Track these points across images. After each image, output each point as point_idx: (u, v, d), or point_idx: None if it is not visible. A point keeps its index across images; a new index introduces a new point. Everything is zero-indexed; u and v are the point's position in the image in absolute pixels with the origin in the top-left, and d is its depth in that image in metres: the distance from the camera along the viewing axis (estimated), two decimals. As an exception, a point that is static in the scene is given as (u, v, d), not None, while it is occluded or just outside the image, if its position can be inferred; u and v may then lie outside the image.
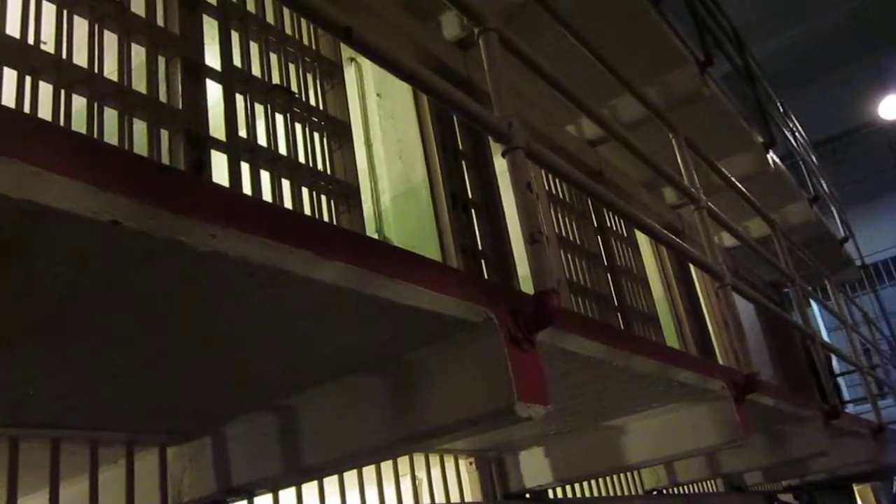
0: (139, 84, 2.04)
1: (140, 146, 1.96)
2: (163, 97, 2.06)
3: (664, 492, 3.70)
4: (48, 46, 1.78)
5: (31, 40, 1.76)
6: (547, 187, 3.85)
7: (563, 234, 3.87)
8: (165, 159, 2.00)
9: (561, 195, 3.99)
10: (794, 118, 8.05)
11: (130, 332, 1.12)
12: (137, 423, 1.57)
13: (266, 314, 1.16)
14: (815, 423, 3.46)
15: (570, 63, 2.94)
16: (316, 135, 2.49)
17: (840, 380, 11.77)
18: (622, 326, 3.93)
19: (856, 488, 7.71)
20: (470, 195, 3.14)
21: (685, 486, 3.96)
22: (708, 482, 4.34)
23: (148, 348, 1.20)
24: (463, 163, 3.21)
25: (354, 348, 1.38)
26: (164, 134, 2.01)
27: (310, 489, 2.03)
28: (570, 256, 3.82)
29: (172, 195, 0.86)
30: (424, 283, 1.20)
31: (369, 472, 2.22)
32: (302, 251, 1.00)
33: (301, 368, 1.43)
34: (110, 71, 2.00)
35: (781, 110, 7.40)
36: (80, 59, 1.86)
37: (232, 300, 1.07)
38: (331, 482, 2.09)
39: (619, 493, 3.50)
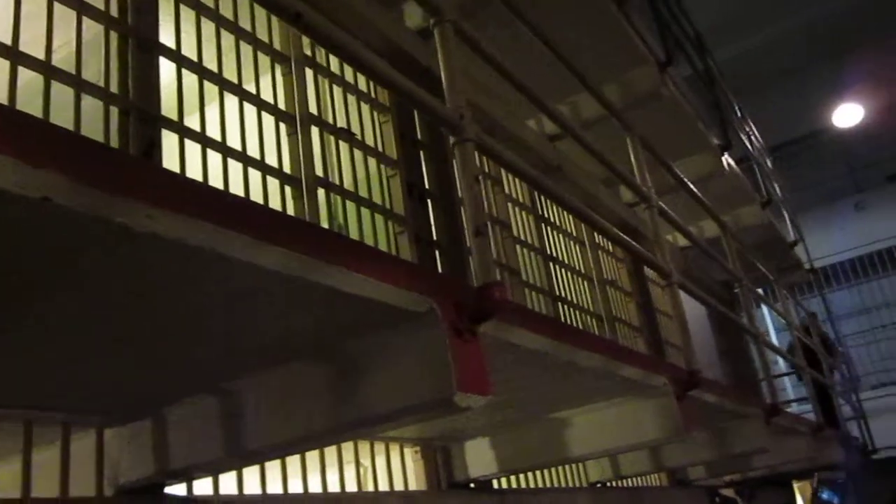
0: (91, 60, 2.01)
1: (94, 125, 1.93)
2: (114, 74, 2.03)
3: (608, 485, 3.76)
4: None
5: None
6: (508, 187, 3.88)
7: (518, 229, 3.90)
8: (115, 139, 1.97)
9: (517, 194, 4.02)
10: (750, 122, 8.20)
11: (66, 313, 1.10)
12: (74, 404, 1.55)
13: (207, 298, 1.15)
14: (756, 420, 3.55)
15: (535, 58, 2.96)
16: (270, 120, 2.48)
17: (786, 379, 12.08)
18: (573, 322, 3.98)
19: (795, 485, 7.92)
20: (427, 185, 3.15)
21: (629, 480, 4.03)
22: (652, 476, 4.43)
23: (85, 329, 1.18)
24: (421, 153, 3.21)
25: (298, 334, 1.38)
26: (115, 112, 1.98)
27: (251, 476, 2.02)
28: (524, 252, 3.86)
29: (108, 174, 0.85)
30: (368, 272, 1.20)
31: (312, 459, 2.22)
32: (242, 236, 0.99)
33: (244, 353, 1.42)
34: (61, 44, 1.96)
35: (739, 114, 7.54)
36: (31, 32, 1.82)
37: (171, 283, 1.06)
38: (273, 469, 2.09)
39: (563, 485, 3.55)
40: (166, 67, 2.16)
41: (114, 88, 2.00)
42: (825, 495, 6.09)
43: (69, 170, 0.81)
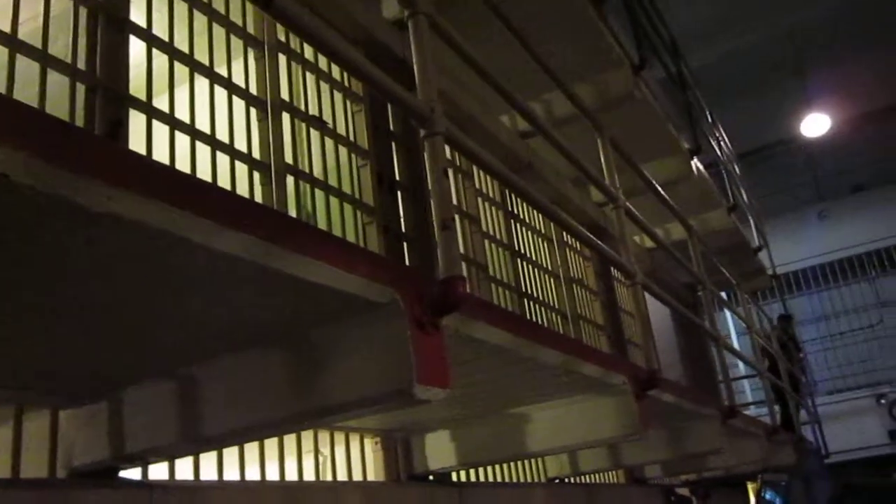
0: (59, 35, 1.97)
1: (60, 102, 1.90)
2: (82, 51, 1.99)
3: (566, 481, 3.80)
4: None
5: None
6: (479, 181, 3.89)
7: (487, 224, 3.92)
8: (81, 117, 1.94)
9: (487, 189, 4.03)
10: (720, 128, 8.31)
11: (22, 291, 1.09)
12: (29, 384, 1.52)
13: (166, 281, 1.14)
14: (713, 421, 3.61)
15: (509, 54, 2.97)
16: (241, 105, 2.45)
17: (745, 382, 12.30)
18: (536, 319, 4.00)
19: (749, 486, 8.07)
20: (398, 177, 3.15)
21: (587, 476, 4.08)
22: (609, 473, 4.48)
23: (41, 308, 1.16)
24: (393, 144, 3.21)
25: (258, 321, 1.37)
26: (81, 90, 1.95)
27: (209, 462, 2.01)
28: (493, 247, 3.88)
29: (68, 152, 0.84)
30: (331, 260, 1.20)
31: (271, 447, 2.21)
32: (204, 220, 0.99)
33: (204, 338, 1.41)
34: (27, 17, 1.92)
35: (710, 119, 7.64)
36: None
37: (130, 264, 1.05)
38: (231, 456, 2.08)
39: (522, 480, 3.58)
40: (136, 47, 2.13)
41: (81, 65, 1.96)
42: (768, 495, 6.26)
43: (28, 146, 0.80)
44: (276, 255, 1.10)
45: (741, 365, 11.05)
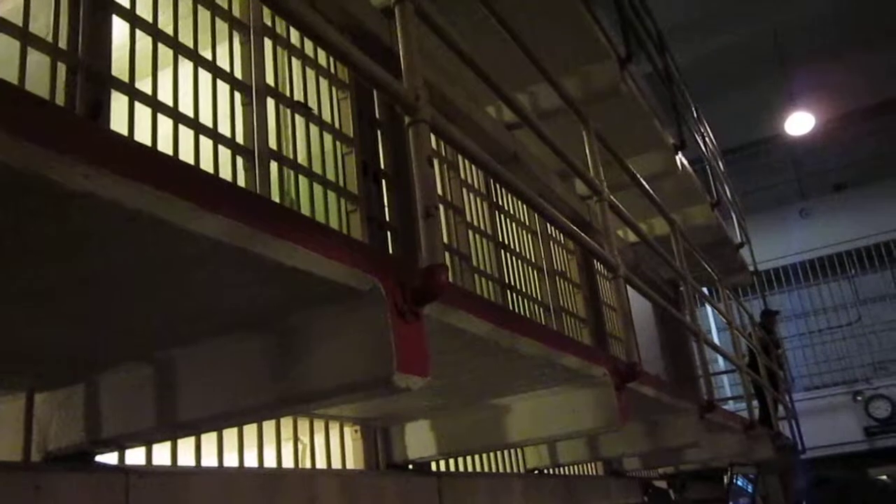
0: (40, 14, 1.94)
1: (40, 82, 1.87)
2: (64, 30, 1.96)
3: (545, 472, 3.82)
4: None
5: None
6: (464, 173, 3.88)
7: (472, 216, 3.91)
8: (62, 97, 1.91)
9: (472, 180, 4.03)
10: (706, 124, 8.34)
11: (-5, 270, 1.07)
12: (3, 366, 1.50)
13: (144, 263, 1.13)
14: (691, 415, 3.63)
15: (496, 45, 2.96)
16: (225, 89, 2.43)
17: (724, 377, 12.41)
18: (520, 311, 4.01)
19: (726, 479, 8.14)
20: (382, 166, 3.13)
21: (566, 468, 4.10)
22: (588, 465, 4.51)
23: (15, 288, 1.15)
24: (378, 133, 3.19)
25: (238, 306, 1.36)
26: (62, 69, 1.92)
27: (186, 448, 2.00)
28: (476, 238, 3.87)
29: (45, 129, 0.83)
30: (312, 246, 1.19)
31: (250, 434, 2.20)
32: (183, 201, 0.97)
33: (182, 322, 1.40)
34: (8, -5, 1.89)
35: (695, 115, 7.66)
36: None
37: (106, 246, 1.04)
38: (209, 442, 2.06)
39: (501, 471, 3.59)
40: (119, 27, 2.10)
41: (63, 45, 1.93)
42: (739, 482, 6.39)
43: (3, 122, 0.78)
44: (256, 239, 1.09)
45: (720, 360, 11.15)
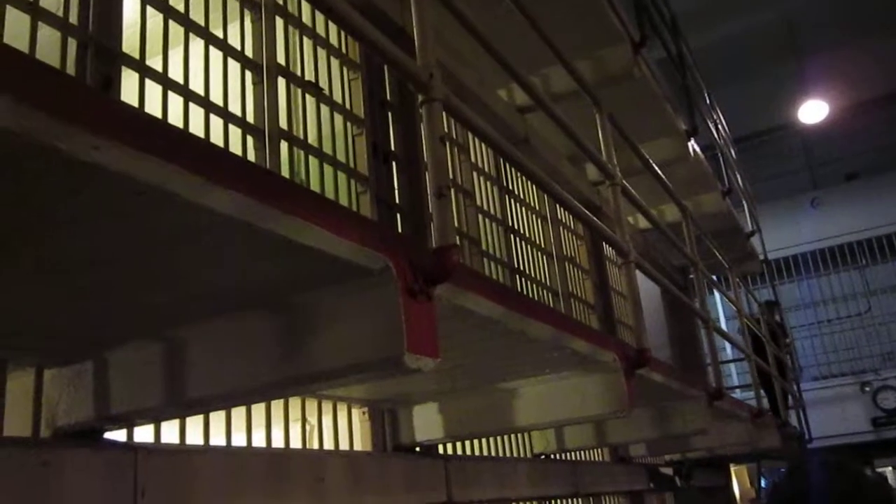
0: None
1: (50, 57, 1.86)
2: (74, 5, 1.95)
3: (552, 457, 3.82)
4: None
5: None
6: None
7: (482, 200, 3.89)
8: (72, 72, 1.90)
9: (482, 163, 4.00)
10: (718, 111, 8.27)
11: (2, 243, 1.06)
12: (13, 342, 1.50)
13: (154, 238, 1.12)
14: (699, 402, 3.62)
15: (508, 26, 2.93)
16: (236, 67, 2.41)
17: (732, 366, 12.38)
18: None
19: (732, 469, 8.15)
20: (393, 148, 3.11)
21: (572, 454, 4.10)
22: (595, 451, 4.50)
23: (23, 263, 1.14)
24: (389, 114, 3.17)
25: (248, 284, 1.35)
26: (72, 45, 1.90)
27: (195, 427, 2.00)
28: (486, 222, 3.86)
29: (55, 98, 0.81)
30: (324, 223, 1.17)
31: (258, 414, 2.20)
32: (194, 175, 0.96)
33: (191, 299, 1.39)
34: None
35: (708, 101, 7.59)
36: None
37: (115, 219, 1.02)
38: (217, 421, 2.06)
39: (508, 455, 3.59)
40: (130, 5, 2.08)
41: (73, 20, 1.92)
42: (763, 484, 6.38)
43: (14, 90, 0.77)
44: (267, 215, 1.07)
45: (728, 348, 11.12)
